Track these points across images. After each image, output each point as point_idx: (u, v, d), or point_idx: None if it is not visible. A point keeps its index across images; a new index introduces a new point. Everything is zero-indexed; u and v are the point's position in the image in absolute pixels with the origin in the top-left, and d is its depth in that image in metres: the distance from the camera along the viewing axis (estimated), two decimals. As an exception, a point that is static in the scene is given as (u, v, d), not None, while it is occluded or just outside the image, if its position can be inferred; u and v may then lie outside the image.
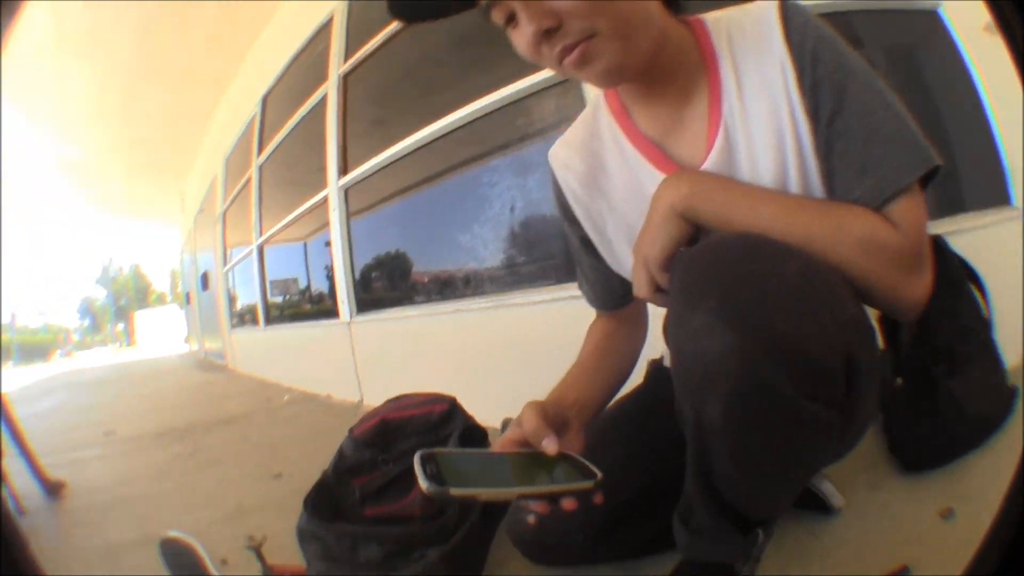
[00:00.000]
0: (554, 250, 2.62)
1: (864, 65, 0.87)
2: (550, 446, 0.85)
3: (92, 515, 2.54)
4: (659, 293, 0.92)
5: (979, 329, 1.36)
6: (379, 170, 3.65)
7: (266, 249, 6.16)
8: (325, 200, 4.18)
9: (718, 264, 0.79)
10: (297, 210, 4.90)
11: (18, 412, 5.09)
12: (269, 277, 6.16)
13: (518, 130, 2.73)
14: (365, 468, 1.73)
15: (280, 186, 5.79)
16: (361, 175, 3.82)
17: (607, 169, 1.06)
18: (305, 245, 5.01)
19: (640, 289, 0.93)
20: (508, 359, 2.62)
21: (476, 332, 2.81)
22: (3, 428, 2.76)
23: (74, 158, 9.42)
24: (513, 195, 2.81)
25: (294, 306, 5.70)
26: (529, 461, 0.85)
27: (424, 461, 0.76)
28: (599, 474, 0.82)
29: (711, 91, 0.93)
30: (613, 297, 1.21)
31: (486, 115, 2.84)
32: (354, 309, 3.98)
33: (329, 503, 1.68)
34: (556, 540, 1.21)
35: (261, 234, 6.06)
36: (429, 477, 0.72)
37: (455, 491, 0.71)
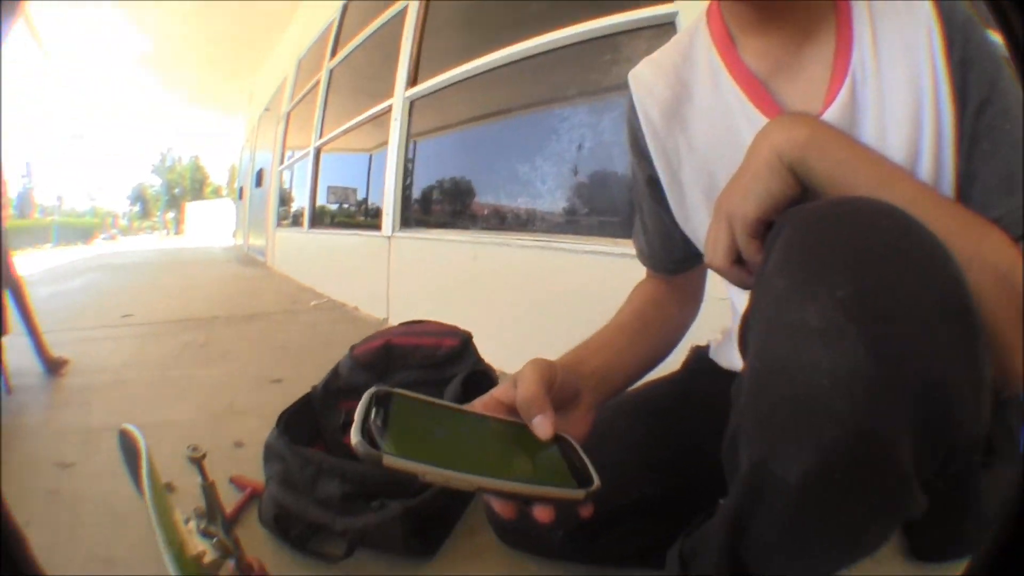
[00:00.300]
0: (616, 203, 2.42)
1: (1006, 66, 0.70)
2: (543, 426, 0.64)
3: (85, 395, 2.51)
4: (737, 266, 0.71)
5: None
6: (447, 86, 3.53)
7: (329, 156, 6.23)
8: (389, 109, 4.12)
9: (859, 236, 0.55)
10: (360, 116, 4.87)
11: (41, 291, 5.24)
12: (328, 183, 6.21)
13: (602, 67, 2.52)
14: (355, 392, 1.59)
15: (347, 93, 5.79)
16: (429, 89, 3.72)
17: (695, 101, 0.89)
18: (370, 157, 4.89)
19: (714, 255, 0.73)
20: (541, 304, 2.49)
21: (515, 270, 2.69)
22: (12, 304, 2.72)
23: (149, 49, 9.47)
24: (583, 134, 2.60)
25: (347, 215, 5.73)
26: (509, 437, 0.64)
27: (374, 403, 0.57)
28: (595, 480, 0.59)
29: (839, 35, 0.77)
30: (670, 257, 1.04)
31: (571, 46, 2.65)
32: (397, 224, 3.92)
33: (307, 424, 1.55)
34: (534, 531, 1.08)
35: (321, 136, 6.18)
36: (366, 431, 0.52)
37: (390, 460, 0.50)
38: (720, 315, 1.16)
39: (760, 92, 0.82)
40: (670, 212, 0.97)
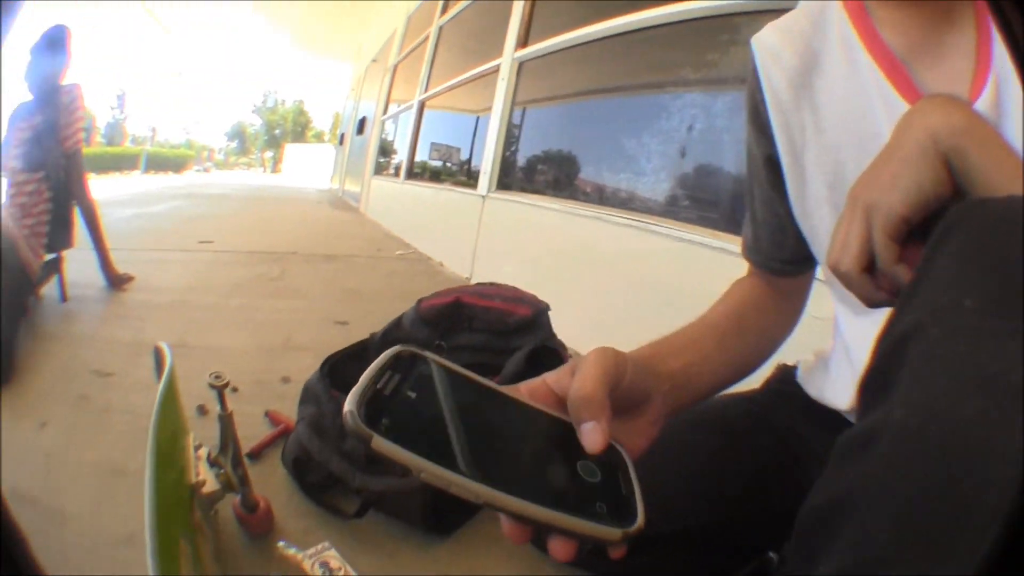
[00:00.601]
0: (719, 195, 2.27)
1: None
2: (592, 437, 0.47)
3: (141, 312, 2.54)
4: (866, 275, 0.55)
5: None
6: (557, 51, 3.40)
7: (436, 114, 6.20)
8: (497, 69, 4.01)
9: None
10: (469, 73, 4.81)
11: (123, 212, 5.36)
12: (432, 139, 6.14)
13: (719, 47, 2.35)
14: (413, 345, 1.49)
15: (455, 51, 5.74)
16: (538, 52, 3.59)
17: (826, 74, 0.76)
18: (477, 119, 4.78)
19: (842, 256, 0.56)
20: (629, 287, 2.35)
21: (607, 247, 2.54)
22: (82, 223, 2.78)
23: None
24: (695, 115, 2.44)
25: (449, 174, 5.61)
26: (548, 438, 0.48)
27: (390, 366, 0.45)
28: (639, 517, 0.43)
29: (979, 26, 0.68)
30: (779, 255, 0.89)
31: (687, 22, 2.49)
32: (494, 184, 3.83)
33: (356, 372, 1.46)
34: None
35: (427, 91, 6.16)
36: (365, 399, 0.40)
37: (379, 445, 0.37)
38: (812, 334, 0.99)
39: (901, 73, 0.71)
40: (786, 201, 0.83)
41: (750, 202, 0.93)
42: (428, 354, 0.48)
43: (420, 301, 1.61)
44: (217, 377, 1.03)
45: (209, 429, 1.16)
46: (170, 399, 1.02)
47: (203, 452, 1.06)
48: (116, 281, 2.83)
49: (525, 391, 0.52)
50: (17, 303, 2.10)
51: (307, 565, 1.05)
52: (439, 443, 0.40)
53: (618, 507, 0.44)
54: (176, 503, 0.86)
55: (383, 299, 3.09)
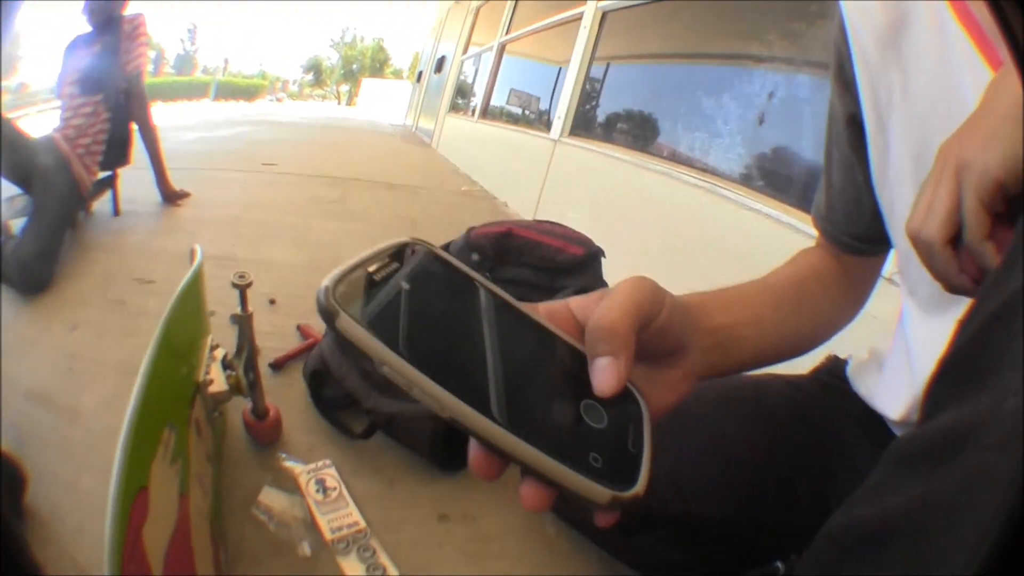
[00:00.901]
0: (792, 171, 2.17)
1: None
2: (605, 375, 0.39)
3: (193, 226, 2.56)
4: (950, 248, 0.47)
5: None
6: (641, 4, 3.30)
7: (518, 60, 6.12)
8: (580, 16, 3.89)
9: None
10: (551, 18, 4.70)
11: (188, 135, 5.37)
12: (512, 86, 6.01)
13: (807, 17, 2.23)
14: None
15: None
16: (622, 4, 3.48)
17: (914, 38, 0.68)
18: (560, 70, 4.61)
19: (926, 221, 0.48)
20: (690, 247, 2.27)
21: (674, 204, 2.46)
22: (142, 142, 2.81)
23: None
24: (777, 82, 2.32)
25: (526, 121, 5.51)
26: (556, 368, 0.40)
27: (394, 255, 0.38)
28: (640, 482, 0.36)
29: None
30: (851, 229, 0.80)
31: None
32: (567, 129, 3.73)
33: None
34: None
35: (508, 33, 6.09)
36: (351, 282, 0.34)
37: (345, 324, 0.31)
38: (865, 332, 0.89)
39: (992, 47, 0.61)
40: (866, 166, 0.75)
41: (827, 166, 0.84)
42: (442, 252, 0.41)
43: (471, 228, 1.55)
44: (241, 277, 1.00)
45: (265, 340, 1.15)
46: (191, 296, 1.00)
47: (219, 353, 1.04)
48: (171, 196, 2.87)
49: (544, 312, 0.44)
50: (65, 216, 2.14)
51: (303, 480, 1.02)
52: (416, 340, 0.33)
53: (618, 465, 0.36)
54: (175, 396, 0.83)
55: (440, 229, 3.00)
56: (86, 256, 2.07)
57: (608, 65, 3.73)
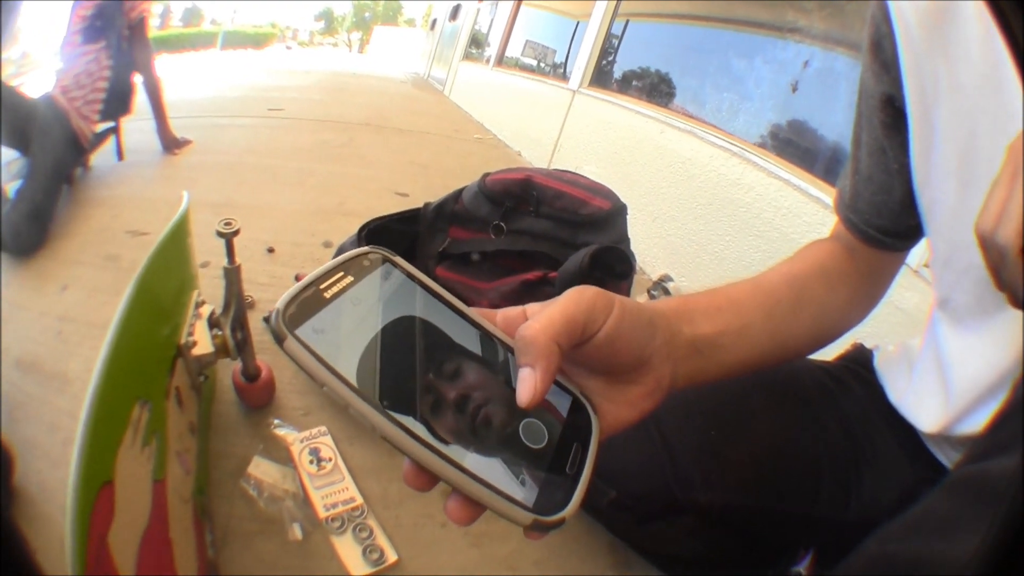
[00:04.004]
0: (817, 145, 2.11)
1: None
2: (523, 387, 0.37)
3: (193, 173, 2.51)
4: None
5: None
6: None
7: (536, 12, 5.99)
8: None
9: None
10: None
11: (193, 83, 5.16)
12: (527, 37, 5.92)
13: None
14: (471, 222, 1.33)
15: None
16: None
17: (962, 29, 0.61)
18: (577, 24, 4.55)
19: (1002, 227, 0.41)
20: (709, 210, 2.18)
21: (693, 163, 2.37)
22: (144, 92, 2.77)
23: None
24: (813, 52, 2.24)
25: (538, 72, 5.41)
26: (497, 384, 0.40)
27: (348, 268, 0.38)
28: (569, 508, 0.36)
29: None
30: (875, 219, 0.73)
31: None
32: (587, 79, 3.65)
33: (401, 242, 1.33)
34: None
35: None
36: (302, 302, 0.34)
37: (290, 347, 0.32)
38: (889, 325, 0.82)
39: None
40: (900, 153, 0.68)
41: (855, 151, 0.76)
42: (400, 261, 0.41)
43: (486, 175, 1.43)
44: (227, 224, 0.90)
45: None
46: (174, 246, 0.92)
47: (205, 311, 0.95)
48: (171, 144, 2.81)
49: (500, 321, 0.43)
50: (60, 174, 2.11)
51: (295, 450, 0.94)
52: (354, 361, 0.35)
53: (550, 487, 0.37)
54: (150, 363, 0.75)
55: (451, 176, 2.94)
56: (81, 212, 2.01)
57: (627, 22, 3.65)
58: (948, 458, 0.70)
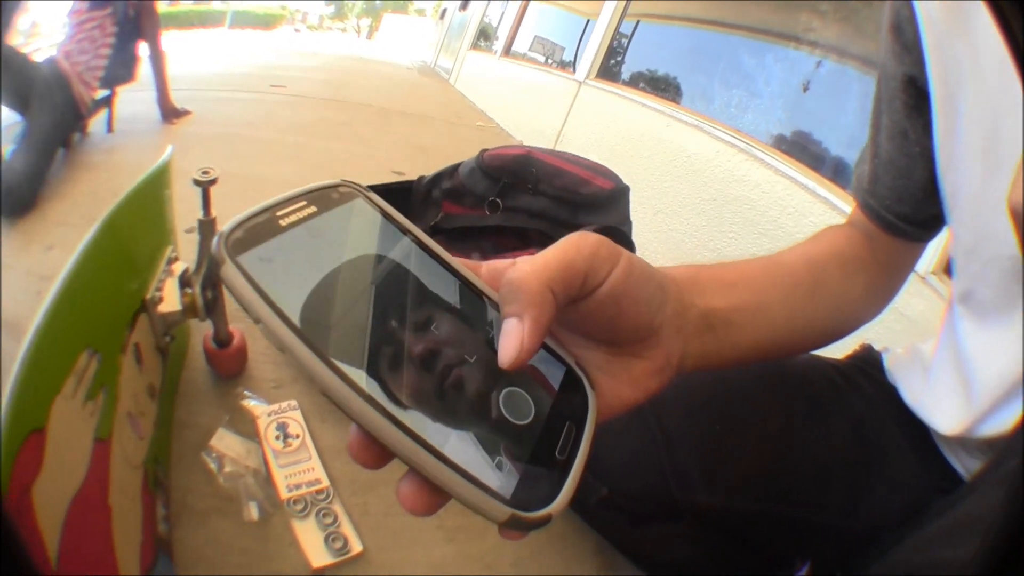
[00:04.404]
0: (823, 152, 2.10)
1: None
2: (508, 341, 0.30)
3: (189, 143, 2.45)
4: None
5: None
6: None
7: (546, 7, 5.96)
8: None
9: None
10: None
11: (199, 59, 5.12)
12: (536, 33, 5.86)
13: None
14: (466, 198, 1.28)
15: None
16: None
17: (979, 10, 0.57)
18: (587, 22, 4.49)
19: None
20: (716, 208, 2.13)
21: (700, 159, 2.34)
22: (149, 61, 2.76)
23: None
24: (827, 51, 2.22)
25: (541, 66, 5.40)
26: (476, 342, 0.33)
27: (312, 198, 0.33)
28: (558, 501, 0.28)
29: None
30: (898, 205, 0.68)
31: None
32: (594, 71, 3.64)
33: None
34: None
35: None
36: (253, 228, 0.28)
37: (227, 273, 0.26)
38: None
39: None
40: (923, 136, 0.64)
41: (874, 135, 0.72)
42: (376, 199, 0.36)
43: (483, 151, 1.38)
44: (204, 173, 0.84)
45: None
46: (150, 197, 0.86)
47: (177, 268, 0.89)
48: (170, 114, 2.78)
49: (486, 273, 0.37)
50: (57, 137, 2.09)
51: (262, 424, 0.88)
52: (302, 300, 0.28)
53: (535, 473, 0.29)
54: (107, 312, 0.69)
55: (450, 159, 2.90)
56: (74, 176, 1.98)
57: (637, 23, 3.64)
58: (963, 465, 0.66)
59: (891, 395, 0.75)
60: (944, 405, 0.65)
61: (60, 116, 2.12)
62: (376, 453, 0.27)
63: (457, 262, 0.35)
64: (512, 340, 0.30)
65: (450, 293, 0.34)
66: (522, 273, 0.31)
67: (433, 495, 0.27)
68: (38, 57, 2.28)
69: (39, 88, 2.11)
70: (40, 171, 1.84)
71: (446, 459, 0.26)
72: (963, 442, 0.64)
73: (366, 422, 0.26)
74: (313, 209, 0.32)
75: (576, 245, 0.33)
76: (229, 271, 0.26)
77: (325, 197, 0.33)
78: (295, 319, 0.26)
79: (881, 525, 0.66)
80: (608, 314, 0.35)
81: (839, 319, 0.63)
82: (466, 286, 0.35)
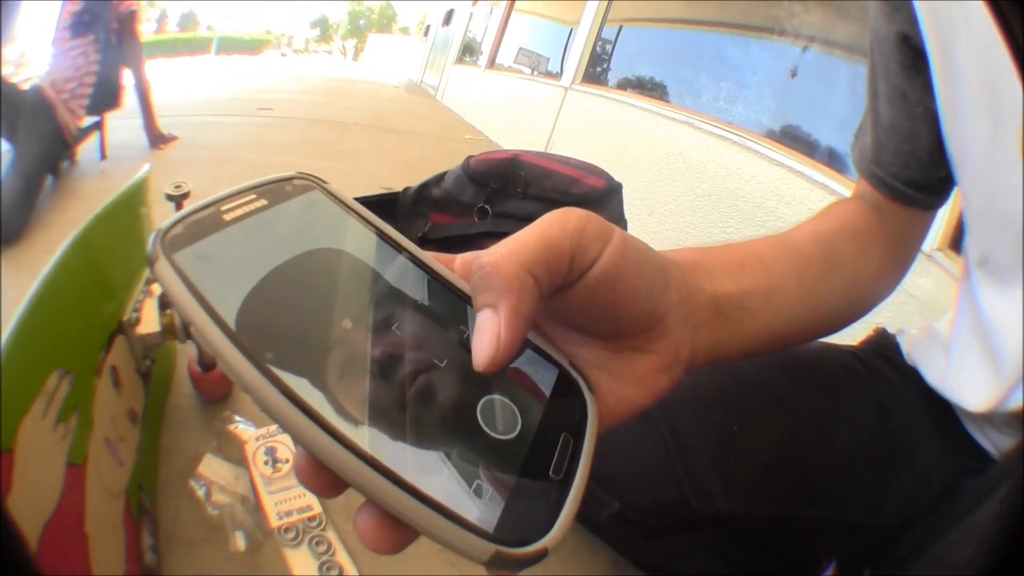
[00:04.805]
0: (814, 139, 2.08)
1: None
2: (478, 336, 0.25)
3: (175, 167, 2.48)
4: None
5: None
6: None
7: (529, 19, 6.04)
8: None
9: None
10: None
11: (185, 87, 5.15)
12: (520, 44, 5.88)
13: None
14: (453, 207, 1.25)
15: None
16: None
17: None
18: (571, 31, 4.48)
19: None
20: (712, 204, 2.12)
21: (691, 155, 2.33)
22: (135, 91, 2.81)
23: None
24: (813, 36, 2.20)
25: (527, 77, 5.44)
26: (448, 345, 0.28)
27: (263, 192, 0.28)
28: (553, 532, 0.22)
29: None
30: (904, 171, 0.63)
31: None
32: (579, 76, 3.68)
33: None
34: None
35: None
36: (194, 223, 0.25)
37: (160, 270, 0.22)
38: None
39: None
40: (923, 91, 0.61)
41: (872, 103, 0.68)
42: (335, 190, 0.32)
43: (469, 158, 1.34)
44: (177, 187, 0.80)
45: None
46: (125, 215, 0.84)
47: (156, 288, 0.86)
48: (157, 139, 2.82)
49: (459, 267, 0.32)
50: (45, 165, 2.11)
51: (249, 448, 0.84)
52: (241, 301, 0.23)
53: (524, 497, 0.24)
54: (80, 332, 0.66)
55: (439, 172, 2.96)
56: (64, 204, 1.99)
57: (620, 28, 3.68)
58: (992, 443, 0.63)
59: (913, 378, 0.71)
60: (971, 381, 0.61)
61: (47, 145, 2.14)
62: (328, 479, 0.22)
63: (427, 255, 0.31)
64: (487, 336, 0.25)
65: (417, 289, 0.30)
66: (495, 256, 0.26)
67: (397, 530, 0.22)
68: (24, 86, 2.30)
69: (25, 116, 2.13)
70: (28, 199, 1.84)
71: (408, 486, 0.21)
72: (991, 418, 0.61)
73: (308, 442, 0.21)
74: (263, 203, 0.28)
75: (560, 221, 0.28)
76: (161, 268, 0.22)
77: (277, 190, 0.29)
78: (230, 320, 0.22)
79: (910, 518, 0.62)
80: (603, 301, 0.30)
81: (855, 298, 0.58)
82: (436, 281, 0.30)
